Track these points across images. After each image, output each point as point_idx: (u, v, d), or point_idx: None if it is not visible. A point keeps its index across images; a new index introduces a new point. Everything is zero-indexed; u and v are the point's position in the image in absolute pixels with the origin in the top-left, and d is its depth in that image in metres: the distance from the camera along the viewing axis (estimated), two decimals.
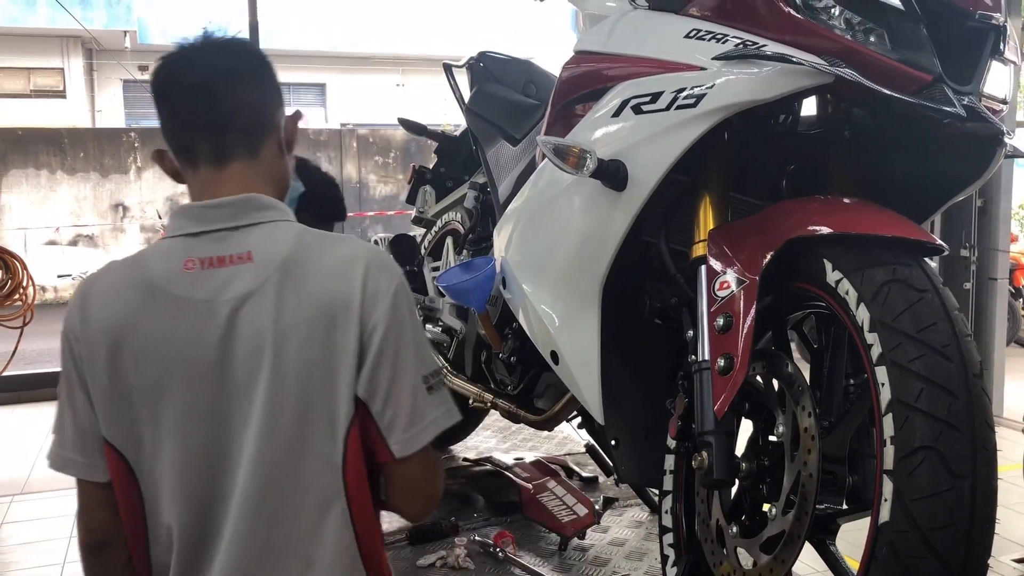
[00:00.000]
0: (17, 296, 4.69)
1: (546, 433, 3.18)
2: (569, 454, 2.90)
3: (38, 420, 5.53)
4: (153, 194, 12.03)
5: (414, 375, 1.27)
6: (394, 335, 1.24)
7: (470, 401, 2.38)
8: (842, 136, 1.61)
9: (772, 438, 1.47)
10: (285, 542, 1.23)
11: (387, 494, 1.38)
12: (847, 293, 1.29)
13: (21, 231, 11.01)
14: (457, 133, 3.09)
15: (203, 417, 1.22)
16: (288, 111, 1.34)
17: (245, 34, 6.16)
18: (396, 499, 1.35)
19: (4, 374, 4.78)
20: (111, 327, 1.24)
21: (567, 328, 1.80)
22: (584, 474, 2.65)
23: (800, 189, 1.63)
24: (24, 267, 4.74)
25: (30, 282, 4.74)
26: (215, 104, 1.28)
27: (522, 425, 3.29)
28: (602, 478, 2.63)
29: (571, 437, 3.11)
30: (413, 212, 3.07)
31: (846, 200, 1.48)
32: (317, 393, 1.21)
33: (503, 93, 2.61)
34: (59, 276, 8.10)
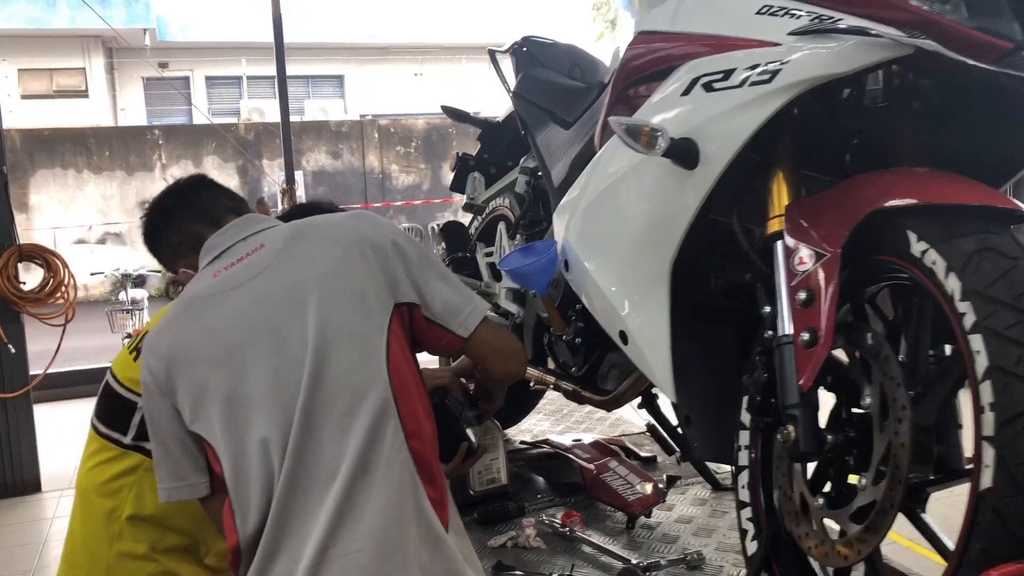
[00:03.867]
0: (59, 294, 4.74)
1: (599, 415, 3.20)
2: (624, 434, 2.92)
3: (81, 416, 5.62)
4: None
5: (445, 271, 1.54)
6: (412, 247, 1.49)
7: (531, 384, 2.40)
8: (910, 109, 1.60)
9: (855, 410, 1.48)
10: (345, 452, 1.34)
11: (485, 373, 1.66)
12: (934, 263, 1.29)
13: (51, 230, 11.13)
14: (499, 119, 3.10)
15: (268, 377, 1.37)
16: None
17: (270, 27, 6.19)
18: (493, 368, 1.61)
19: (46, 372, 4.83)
20: (166, 352, 1.43)
21: (636, 308, 1.81)
22: (642, 454, 2.67)
23: (864, 164, 1.63)
24: (65, 265, 4.80)
25: (71, 280, 4.79)
26: (197, 204, 1.68)
27: (574, 408, 3.32)
28: (660, 457, 2.65)
29: (624, 418, 3.13)
30: (448, 199, 3.10)
31: (925, 171, 1.48)
32: (356, 316, 1.39)
33: (551, 77, 2.62)
34: (92, 274, 8.19)
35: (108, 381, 1.82)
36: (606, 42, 13.01)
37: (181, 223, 1.68)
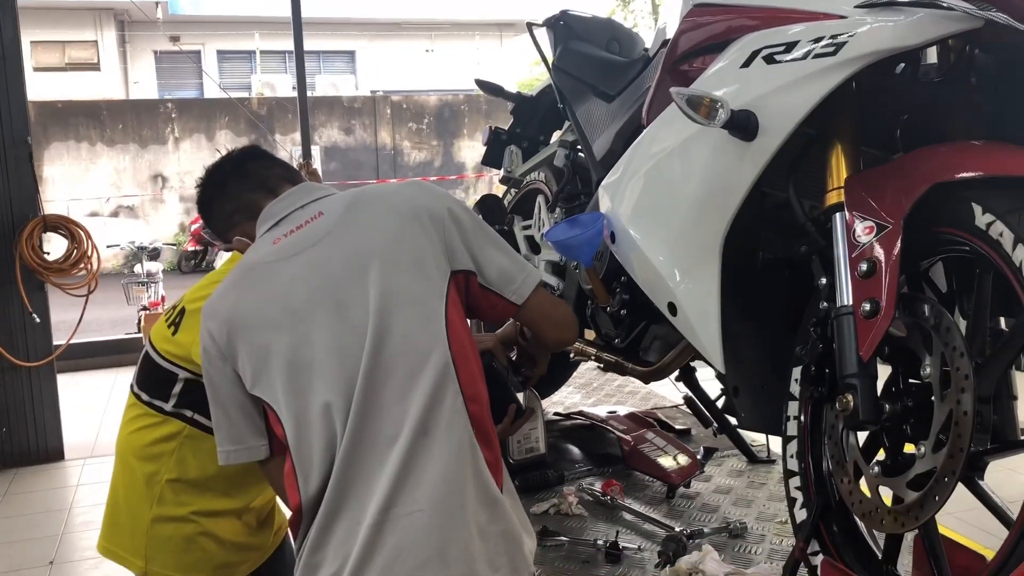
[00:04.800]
0: (83, 265, 4.77)
1: (629, 388, 3.23)
2: (656, 407, 2.95)
3: (102, 386, 5.69)
4: (191, 164, 12.15)
5: (499, 240, 1.56)
6: (468, 216, 1.52)
7: (571, 355, 2.42)
8: (967, 83, 1.61)
9: (912, 381, 1.50)
10: (407, 415, 1.37)
11: (537, 339, 1.70)
12: (1001, 235, 1.30)
13: (65, 203, 11.15)
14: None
15: (330, 341, 1.40)
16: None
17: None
18: (546, 335, 1.66)
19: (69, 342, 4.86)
20: (227, 317, 1.45)
21: (686, 279, 1.83)
22: (676, 426, 2.70)
23: (915, 139, 1.64)
24: (89, 236, 4.83)
25: (94, 251, 4.82)
26: (252, 173, 1.70)
27: (604, 381, 3.35)
28: (694, 430, 2.68)
29: (655, 392, 3.16)
30: (462, 175, 3.11)
31: (985, 143, 1.48)
32: (416, 282, 1.42)
33: (591, 51, 2.62)
34: (108, 247, 8.22)
35: (148, 351, 1.85)
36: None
37: (236, 191, 1.71)
